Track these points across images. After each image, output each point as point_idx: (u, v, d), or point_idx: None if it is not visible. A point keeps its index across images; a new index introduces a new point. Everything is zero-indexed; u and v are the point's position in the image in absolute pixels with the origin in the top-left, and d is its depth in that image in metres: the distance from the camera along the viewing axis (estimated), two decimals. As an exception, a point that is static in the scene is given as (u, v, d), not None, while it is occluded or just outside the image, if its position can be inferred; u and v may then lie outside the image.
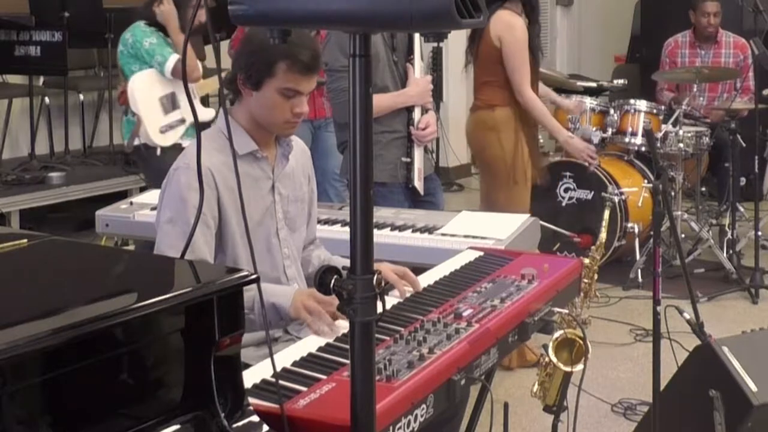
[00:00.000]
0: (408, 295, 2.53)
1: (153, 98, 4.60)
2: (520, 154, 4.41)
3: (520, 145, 4.41)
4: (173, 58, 4.57)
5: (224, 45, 5.75)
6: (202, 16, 4.73)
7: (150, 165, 4.74)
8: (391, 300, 2.46)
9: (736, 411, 2.84)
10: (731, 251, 5.58)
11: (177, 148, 4.64)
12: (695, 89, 6.17)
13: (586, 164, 5.15)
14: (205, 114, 4.84)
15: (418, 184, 3.86)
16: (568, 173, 5.64)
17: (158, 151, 4.61)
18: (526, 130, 4.44)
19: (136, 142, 4.68)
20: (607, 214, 4.53)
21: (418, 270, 2.78)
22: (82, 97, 6.85)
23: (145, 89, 4.59)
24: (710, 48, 6.50)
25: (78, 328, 1.53)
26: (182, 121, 4.67)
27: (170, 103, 4.65)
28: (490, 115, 4.42)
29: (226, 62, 4.31)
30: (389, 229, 3.40)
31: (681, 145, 5.67)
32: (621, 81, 6.58)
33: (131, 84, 4.60)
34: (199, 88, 4.82)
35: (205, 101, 7.00)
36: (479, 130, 4.50)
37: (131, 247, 4.53)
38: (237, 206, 2.56)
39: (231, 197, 2.57)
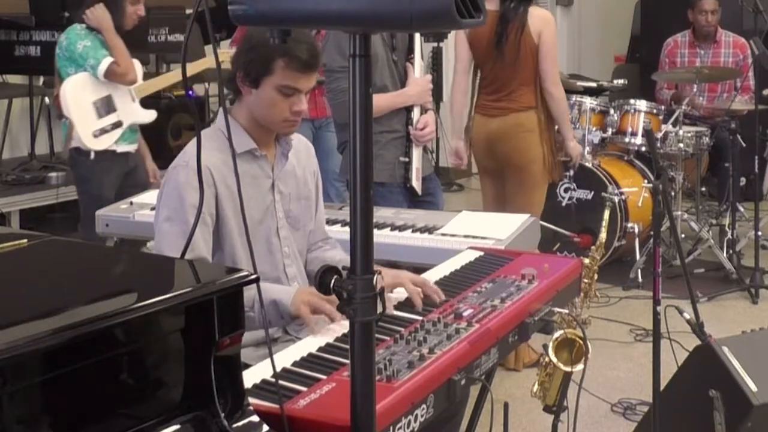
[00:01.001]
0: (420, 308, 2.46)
1: (86, 102, 4.56)
2: (553, 155, 4.42)
3: (552, 146, 4.41)
4: (106, 61, 4.53)
5: (225, 45, 5.75)
6: (140, 10, 4.71)
7: (80, 169, 4.71)
8: (392, 299, 2.46)
9: (736, 411, 2.84)
10: (731, 251, 5.58)
11: (110, 155, 4.63)
12: (695, 89, 6.17)
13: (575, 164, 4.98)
14: (146, 116, 4.81)
15: (416, 183, 3.86)
16: (568, 173, 5.64)
17: (91, 155, 4.59)
18: (553, 130, 4.45)
19: (71, 145, 4.67)
20: (607, 214, 4.53)
21: (418, 270, 2.78)
22: (82, 97, 6.84)
23: (77, 93, 4.56)
24: (710, 47, 6.50)
25: (78, 328, 1.53)
26: (118, 124, 4.63)
27: (105, 107, 4.61)
28: (530, 116, 4.37)
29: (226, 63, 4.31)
30: (389, 229, 3.40)
31: (681, 145, 5.67)
32: (621, 81, 6.58)
33: (63, 87, 4.57)
34: (140, 90, 4.79)
35: (204, 103, 7.01)
36: (519, 132, 4.40)
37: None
38: (236, 205, 2.56)
39: (230, 195, 2.57)
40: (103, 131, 4.57)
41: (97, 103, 4.58)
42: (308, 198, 2.83)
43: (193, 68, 4.90)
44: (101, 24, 4.57)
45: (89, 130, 4.54)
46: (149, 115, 4.81)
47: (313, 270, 2.82)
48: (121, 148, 4.66)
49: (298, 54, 2.51)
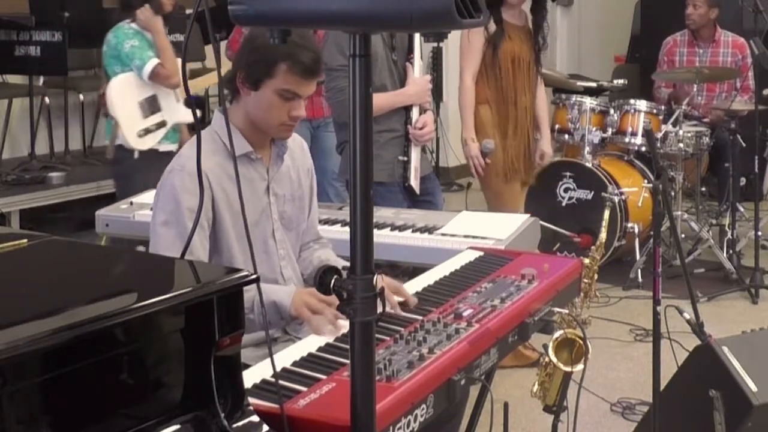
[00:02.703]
0: (393, 310, 2.41)
1: (131, 102, 4.56)
2: (505, 153, 4.40)
3: (504, 143, 4.40)
4: (152, 63, 4.52)
5: (223, 45, 5.75)
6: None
7: (123, 167, 4.71)
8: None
9: (736, 411, 2.84)
10: (731, 251, 5.58)
11: (153, 154, 4.63)
12: (695, 89, 6.16)
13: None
14: (189, 116, 4.81)
15: (414, 183, 3.86)
16: (568, 173, 5.64)
17: (135, 155, 4.58)
18: (512, 128, 4.42)
19: (116, 143, 4.67)
20: (607, 214, 4.53)
21: (418, 270, 2.78)
22: (82, 97, 6.85)
23: (123, 93, 4.56)
24: (708, 47, 6.48)
25: (78, 328, 1.53)
26: (162, 124, 4.63)
27: (150, 106, 4.61)
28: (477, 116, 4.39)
29: (226, 63, 4.30)
30: (389, 229, 3.40)
31: (681, 145, 5.67)
32: (621, 81, 6.57)
33: (109, 87, 4.57)
34: (183, 90, 4.79)
35: (204, 103, 7.00)
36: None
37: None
38: (231, 208, 2.57)
39: (225, 198, 2.57)
40: (148, 131, 4.58)
41: (142, 102, 4.60)
42: (302, 198, 2.83)
43: (203, 82, 4.89)
44: (151, 25, 4.57)
45: (134, 130, 4.56)
46: (191, 116, 4.82)
47: (303, 270, 2.84)
48: (164, 148, 4.68)
49: (301, 59, 2.51)
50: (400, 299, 2.46)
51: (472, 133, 4.37)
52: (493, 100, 4.38)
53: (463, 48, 4.36)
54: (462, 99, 4.38)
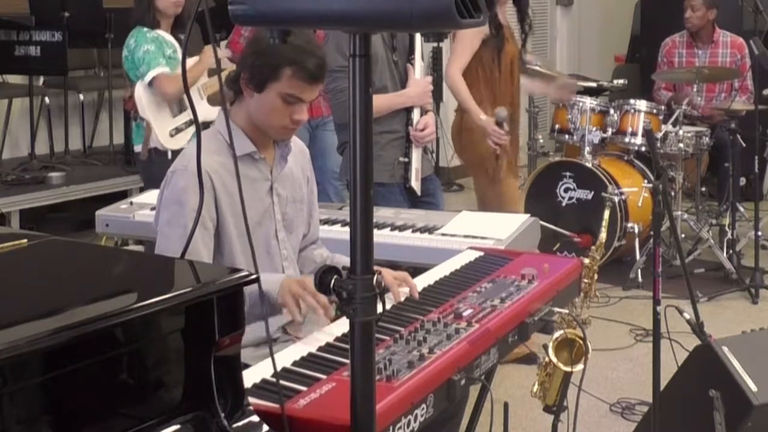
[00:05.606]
0: (403, 299, 2.49)
1: (161, 102, 4.57)
2: (503, 151, 4.40)
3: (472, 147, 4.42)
4: (153, 72, 4.49)
5: (223, 45, 5.74)
6: None
7: (157, 170, 4.68)
8: (391, 300, 2.46)
9: (736, 411, 2.84)
10: (731, 251, 5.58)
11: None
12: (694, 89, 6.16)
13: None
14: (213, 113, 4.79)
15: (415, 184, 3.86)
16: (568, 173, 5.64)
17: (169, 155, 4.57)
18: (510, 126, 4.42)
19: (149, 146, 4.66)
20: (607, 214, 4.53)
21: (418, 270, 2.79)
22: (82, 97, 6.84)
23: (151, 94, 4.56)
24: (707, 48, 6.48)
25: (78, 328, 1.53)
26: (190, 122, 4.63)
27: (177, 105, 4.61)
28: (468, 116, 4.39)
29: (225, 62, 4.31)
30: (389, 229, 3.40)
31: (681, 145, 5.67)
32: (621, 81, 6.57)
33: (137, 90, 4.56)
34: (207, 87, 4.78)
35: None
36: (463, 131, 4.47)
37: (133, 247, 4.52)
38: (234, 208, 2.57)
39: (228, 199, 2.57)
40: (178, 130, 4.57)
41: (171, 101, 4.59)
42: (302, 201, 2.84)
43: (212, 86, 4.88)
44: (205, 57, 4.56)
45: (166, 130, 4.54)
46: (215, 112, 4.82)
47: (302, 268, 2.85)
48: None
49: (306, 65, 2.52)
50: (405, 289, 2.51)
51: (480, 111, 4.33)
52: (490, 102, 4.37)
53: (457, 44, 4.32)
54: (457, 91, 4.33)
